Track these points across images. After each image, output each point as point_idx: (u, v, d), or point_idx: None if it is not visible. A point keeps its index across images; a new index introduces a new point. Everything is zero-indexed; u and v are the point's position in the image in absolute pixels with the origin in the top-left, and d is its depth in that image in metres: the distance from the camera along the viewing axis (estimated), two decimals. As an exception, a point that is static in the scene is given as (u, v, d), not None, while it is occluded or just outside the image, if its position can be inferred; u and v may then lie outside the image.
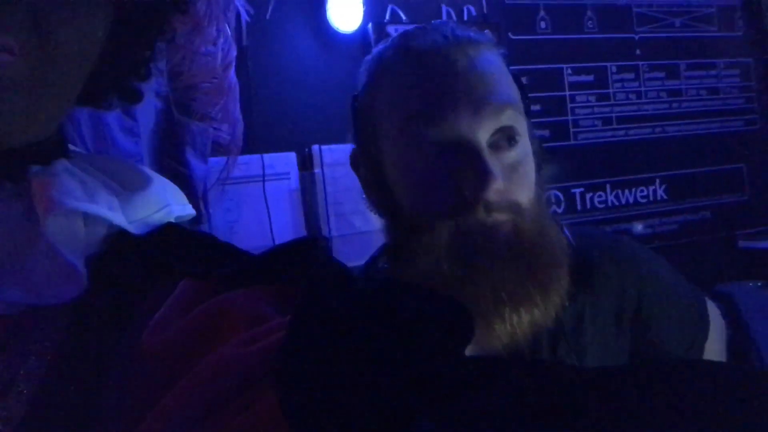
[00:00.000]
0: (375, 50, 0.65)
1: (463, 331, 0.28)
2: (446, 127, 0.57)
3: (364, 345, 0.25)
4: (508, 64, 0.65)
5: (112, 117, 0.91)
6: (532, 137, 0.63)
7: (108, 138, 0.93)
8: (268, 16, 0.63)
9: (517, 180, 0.58)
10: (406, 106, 0.59)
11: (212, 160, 1.08)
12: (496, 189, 0.55)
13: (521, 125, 0.59)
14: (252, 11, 0.50)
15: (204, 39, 0.45)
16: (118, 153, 0.92)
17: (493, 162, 0.56)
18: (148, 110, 0.99)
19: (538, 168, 0.63)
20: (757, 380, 0.21)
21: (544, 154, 0.65)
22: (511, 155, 0.58)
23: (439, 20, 0.70)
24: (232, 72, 0.51)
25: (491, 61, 0.60)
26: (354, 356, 0.25)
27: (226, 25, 0.47)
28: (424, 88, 0.59)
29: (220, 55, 0.47)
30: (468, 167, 0.56)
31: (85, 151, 0.77)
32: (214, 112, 0.50)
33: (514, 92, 0.60)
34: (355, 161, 0.67)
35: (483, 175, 0.55)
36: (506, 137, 0.58)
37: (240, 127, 0.54)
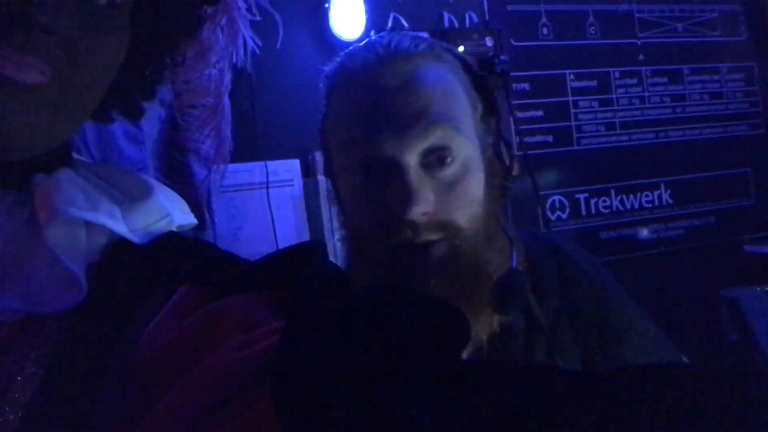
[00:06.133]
0: (326, 68, 0.65)
1: (459, 335, 0.28)
2: (374, 150, 0.57)
3: (359, 349, 0.25)
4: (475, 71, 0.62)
5: (117, 125, 0.92)
6: (484, 151, 0.61)
7: (113, 146, 0.94)
8: (278, 46, 0.64)
9: (453, 200, 0.57)
10: (340, 131, 0.60)
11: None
12: (421, 210, 0.55)
13: (458, 143, 0.57)
14: (261, 44, 0.51)
15: (206, 63, 0.46)
16: (123, 161, 0.93)
17: (423, 182, 0.56)
18: (152, 118, 1.00)
19: (495, 182, 0.61)
20: (758, 382, 0.21)
21: (506, 166, 0.63)
22: (446, 175, 0.57)
23: (384, 32, 0.69)
24: (226, 96, 0.52)
25: (427, 77, 0.58)
26: (349, 360, 0.25)
27: (232, 52, 0.49)
28: (354, 113, 0.59)
29: (219, 78, 0.48)
30: (393, 189, 0.56)
31: (90, 159, 0.78)
32: (207, 131, 0.52)
33: (454, 108, 0.58)
34: (326, 171, 0.69)
35: (406, 197, 0.55)
36: (438, 157, 0.57)
37: (228, 147, 0.55)
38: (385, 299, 0.29)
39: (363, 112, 0.58)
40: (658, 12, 1.78)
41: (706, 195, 1.78)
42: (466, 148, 0.58)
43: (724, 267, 1.71)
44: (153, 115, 0.96)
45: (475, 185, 0.59)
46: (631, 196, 1.71)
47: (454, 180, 0.57)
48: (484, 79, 0.63)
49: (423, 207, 0.55)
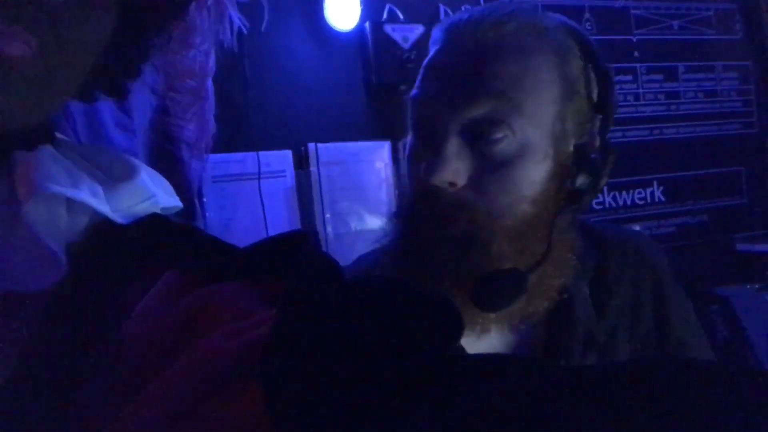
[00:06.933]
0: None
1: (451, 328, 0.27)
2: (423, 110, 0.55)
3: (351, 340, 0.25)
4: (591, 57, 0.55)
5: (107, 113, 0.90)
6: (559, 144, 0.54)
7: (102, 134, 0.92)
8: (263, 29, 0.63)
9: (493, 182, 0.52)
10: (414, 87, 0.58)
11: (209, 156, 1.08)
12: (444, 177, 0.50)
13: (515, 123, 0.52)
14: (248, 25, 0.50)
15: (191, 44, 0.46)
16: (113, 149, 0.91)
17: (460, 152, 0.51)
18: (143, 106, 0.98)
19: (565, 184, 0.54)
20: (755, 380, 0.21)
21: (590, 174, 0.55)
22: (491, 153, 0.52)
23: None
24: (210, 79, 0.51)
25: (506, 47, 0.53)
26: (340, 351, 0.24)
27: (218, 32, 0.48)
28: (423, 71, 0.57)
29: (203, 59, 0.47)
30: (428, 152, 0.53)
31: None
32: (189, 114, 0.50)
33: (524, 86, 0.52)
34: None
35: (433, 161, 0.51)
36: (485, 131, 0.52)
37: (212, 131, 0.54)
38: (377, 291, 0.29)
39: (430, 69, 0.56)
40: (654, 9, 1.78)
41: (698, 193, 1.79)
42: (527, 132, 0.52)
43: (716, 265, 1.73)
44: (144, 101, 0.95)
45: (527, 176, 0.52)
46: (624, 193, 1.72)
47: (502, 162, 0.52)
48: (605, 75, 0.57)
49: (447, 175, 0.50)
